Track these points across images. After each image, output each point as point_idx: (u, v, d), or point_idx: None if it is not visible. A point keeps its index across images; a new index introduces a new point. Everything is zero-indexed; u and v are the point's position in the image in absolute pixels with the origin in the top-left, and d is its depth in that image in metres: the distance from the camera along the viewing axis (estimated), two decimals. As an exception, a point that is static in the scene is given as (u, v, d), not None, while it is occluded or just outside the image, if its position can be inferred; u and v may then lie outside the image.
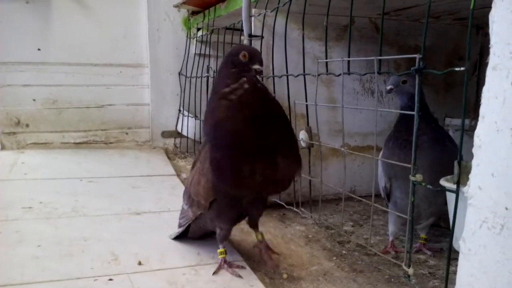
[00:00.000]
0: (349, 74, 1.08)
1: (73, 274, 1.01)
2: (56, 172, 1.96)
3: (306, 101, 1.40)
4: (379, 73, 0.96)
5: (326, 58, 1.22)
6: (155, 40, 2.49)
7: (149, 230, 1.33)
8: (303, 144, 1.28)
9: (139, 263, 1.08)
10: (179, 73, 2.53)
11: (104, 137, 2.49)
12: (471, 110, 1.93)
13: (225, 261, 1.07)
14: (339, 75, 1.10)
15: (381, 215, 1.53)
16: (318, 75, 1.20)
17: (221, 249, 1.08)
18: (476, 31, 1.90)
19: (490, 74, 0.62)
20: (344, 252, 1.23)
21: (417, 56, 0.85)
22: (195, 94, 2.30)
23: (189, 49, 2.47)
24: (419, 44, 1.81)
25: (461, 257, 0.68)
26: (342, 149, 1.13)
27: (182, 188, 1.83)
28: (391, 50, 1.79)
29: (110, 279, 0.99)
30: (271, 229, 1.40)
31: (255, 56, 0.95)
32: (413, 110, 0.94)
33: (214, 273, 1.05)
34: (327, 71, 1.21)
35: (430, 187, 0.84)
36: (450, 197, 0.88)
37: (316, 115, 1.26)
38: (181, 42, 2.51)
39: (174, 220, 1.25)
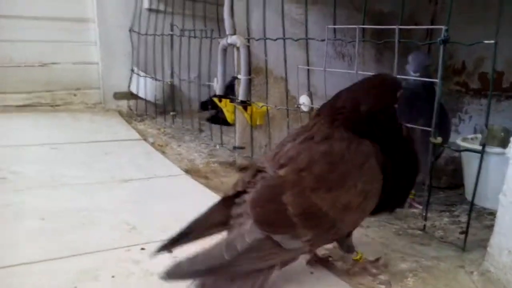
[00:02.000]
0: (363, 41, 1.14)
1: (100, 246, 0.96)
2: (10, 139, 1.79)
3: (285, 63, 1.45)
4: (399, 41, 1.03)
5: (335, 25, 1.26)
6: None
7: (148, 197, 1.30)
8: (304, 108, 1.32)
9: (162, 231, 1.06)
10: (130, 30, 2.38)
11: (50, 99, 2.29)
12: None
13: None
14: (351, 41, 1.15)
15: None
16: (326, 39, 1.23)
17: (359, 254, 0.89)
18: (428, 0, 2.05)
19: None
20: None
21: (443, 27, 0.93)
22: (154, 53, 2.20)
23: (141, 4, 2.32)
24: (383, 9, 1.92)
25: (501, 208, 0.80)
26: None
27: (155, 153, 1.78)
28: (359, 15, 1.87)
29: (142, 248, 0.97)
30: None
31: None
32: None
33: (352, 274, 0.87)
34: (335, 36, 1.26)
35: (453, 149, 0.96)
36: (469, 158, 0.99)
37: (325, 79, 1.29)
38: (131, -5, 2.33)
39: (168, 186, 1.17)
